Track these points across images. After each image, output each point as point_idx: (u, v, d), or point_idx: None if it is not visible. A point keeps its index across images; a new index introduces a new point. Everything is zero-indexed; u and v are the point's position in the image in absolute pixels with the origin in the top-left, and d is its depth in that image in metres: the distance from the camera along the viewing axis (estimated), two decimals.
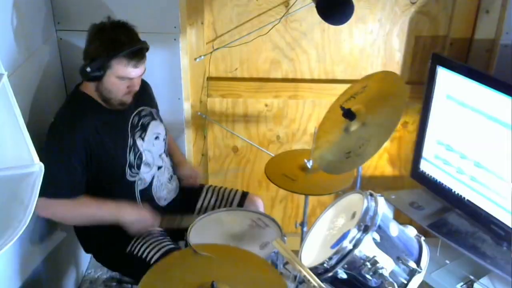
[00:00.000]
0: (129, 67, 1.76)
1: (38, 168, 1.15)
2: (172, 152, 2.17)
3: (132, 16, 2.10)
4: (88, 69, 1.74)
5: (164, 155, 2.05)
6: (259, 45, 2.39)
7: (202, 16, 2.31)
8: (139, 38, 1.82)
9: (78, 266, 2.47)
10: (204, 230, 1.91)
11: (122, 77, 1.78)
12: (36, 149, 1.14)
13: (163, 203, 2.04)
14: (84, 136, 1.79)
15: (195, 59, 2.37)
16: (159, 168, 2.02)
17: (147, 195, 1.98)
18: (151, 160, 1.98)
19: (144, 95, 2.01)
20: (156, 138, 2.02)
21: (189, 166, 2.23)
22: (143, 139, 1.96)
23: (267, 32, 2.34)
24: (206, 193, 2.18)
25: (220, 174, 2.67)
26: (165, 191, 2.05)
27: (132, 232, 1.87)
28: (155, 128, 2.02)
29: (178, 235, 2.05)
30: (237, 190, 2.20)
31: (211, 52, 2.39)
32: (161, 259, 1.75)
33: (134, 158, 1.92)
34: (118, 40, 1.74)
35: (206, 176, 2.66)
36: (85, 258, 2.56)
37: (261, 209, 2.19)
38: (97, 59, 1.74)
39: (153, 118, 2.03)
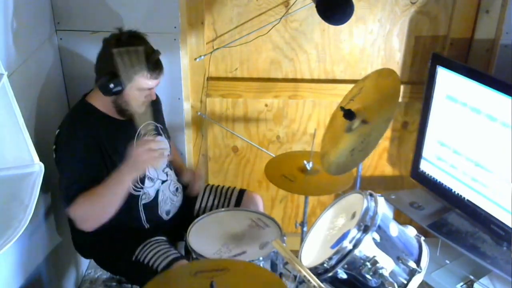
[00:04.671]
0: (150, 79, 1.78)
1: (38, 168, 1.15)
2: (173, 160, 2.16)
3: (132, 16, 2.12)
4: (111, 85, 1.72)
5: (168, 169, 2.04)
6: (259, 45, 2.39)
7: (202, 16, 2.31)
8: (153, 48, 1.82)
9: (78, 266, 2.47)
10: (204, 230, 1.91)
11: (143, 89, 1.78)
12: (36, 149, 1.14)
13: (165, 217, 2.02)
14: (90, 143, 1.78)
15: (195, 59, 2.37)
16: (163, 182, 2.01)
17: (150, 209, 1.97)
18: (154, 175, 1.97)
19: (153, 110, 1.99)
20: None
21: (190, 173, 2.17)
22: None
23: (267, 32, 2.34)
24: (204, 193, 2.18)
25: (220, 174, 2.68)
26: (169, 204, 2.03)
27: (152, 163, 1.77)
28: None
29: (178, 235, 2.05)
30: (234, 188, 2.19)
31: (211, 52, 2.39)
32: (167, 267, 1.75)
33: None
34: (138, 54, 1.73)
35: (206, 176, 2.66)
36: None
37: (260, 205, 2.18)
38: (119, 75, 1.71)
39: (159, 134, 2.02)
